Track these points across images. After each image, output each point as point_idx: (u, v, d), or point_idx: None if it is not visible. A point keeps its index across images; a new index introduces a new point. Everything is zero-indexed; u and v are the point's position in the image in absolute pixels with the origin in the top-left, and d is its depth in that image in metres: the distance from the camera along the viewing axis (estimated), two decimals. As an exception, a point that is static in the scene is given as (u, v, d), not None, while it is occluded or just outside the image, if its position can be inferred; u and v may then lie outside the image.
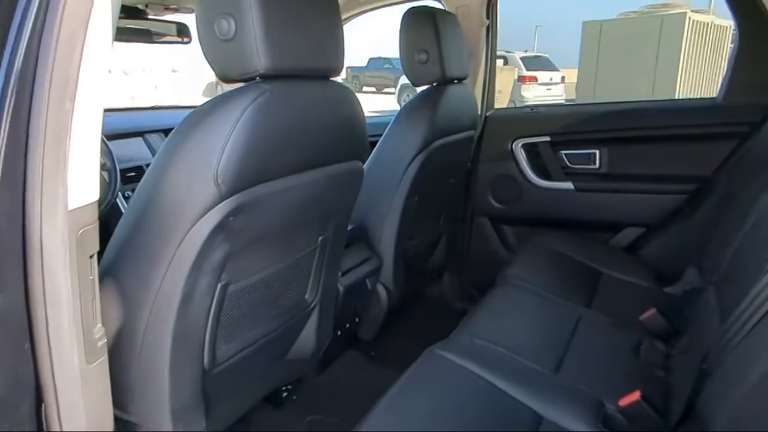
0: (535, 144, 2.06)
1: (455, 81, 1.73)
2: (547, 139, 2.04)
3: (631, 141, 1.94)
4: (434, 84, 1.68)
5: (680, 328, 1.39)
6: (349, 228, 1.40)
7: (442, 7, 1.99)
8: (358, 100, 1.10)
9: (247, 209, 0.88)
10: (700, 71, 9.91)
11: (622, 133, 1.94)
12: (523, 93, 11.16)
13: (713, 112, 1.81)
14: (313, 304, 1.26)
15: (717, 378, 0.93)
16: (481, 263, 2.21)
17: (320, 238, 1.18)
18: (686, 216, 1.84)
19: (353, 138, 1.10)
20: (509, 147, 2.09)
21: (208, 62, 0.89)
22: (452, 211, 2.08)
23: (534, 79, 11.46)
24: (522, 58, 11.83)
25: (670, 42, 9.09)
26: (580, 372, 1.18)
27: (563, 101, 12.13)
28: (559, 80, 12.00)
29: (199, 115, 0.86)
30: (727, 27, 11.48)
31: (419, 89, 1.72)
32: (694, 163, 1.84)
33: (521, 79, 11.27)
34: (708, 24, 10.28)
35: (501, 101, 7.82)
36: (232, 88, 0.91)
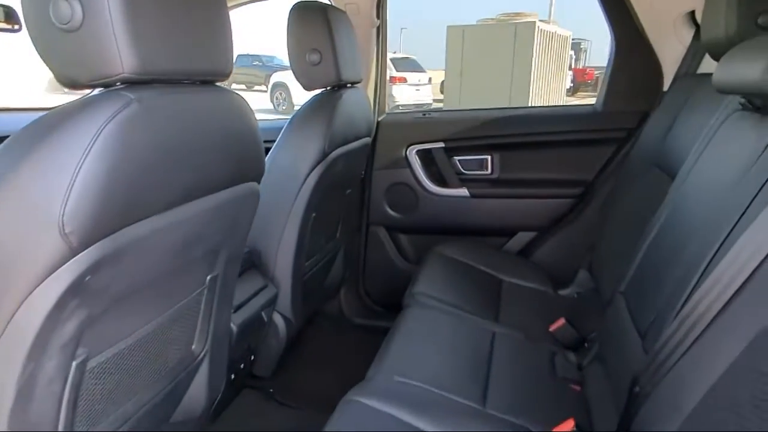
0: (429, 150, 1.98)
1: (349, 85, 1.58)
2: (441, 145, 1.97)
3: (520, 147, 1.94)
4: (328, 88, 1.50)
5: (587, 336, 1.39)
6: None
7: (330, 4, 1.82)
8: (251, 109, 0.90)
9: (111, 262, 0.63)
10: (548, 77, 10.85)
11: (511, 138, 1.93)
12: (394, 93, 11.37)
13: (593, 119, 1.87)
14: (201, 355, 1.03)
15: (653, 402, 0.88)
16: (379, 275, 2.09)
17: (209, 277, 0.95)
18: (572, 220, 1.88)
19: (247, 156, 0.89)
20: (404, 153, 1.99)
21: (43, 60, 0.63)
22: (349, 223, 1.92)
23: (403, 80, 11.72)
24: (391, 59, 12.03)
25: (523, 49, 9.81)
26: (505, 400, 1.10)
27: (431, 101, 12.61)
28: (426, 81, 12.42)
29: (35, 135, 0.59)
30: (567, 37, 12.73)
31: (312, 93, 1.54)
32: (578, 168, 1.88)
33: (392, 80, 11.46)
34: (552, 33, 11.28)
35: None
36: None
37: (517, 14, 10.57)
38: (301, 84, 1.48)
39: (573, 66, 17.83)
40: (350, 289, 2.10)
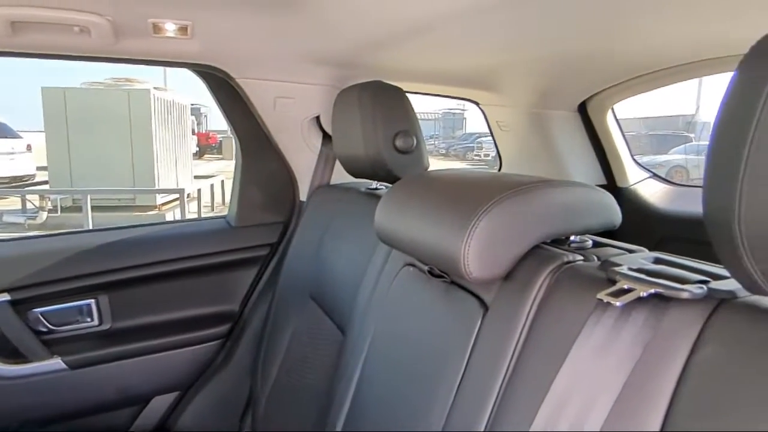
0: (-18, 310, 1.18)
1: None
2: (6, 297, 1.20)
3: (139, 281, 1.35)
4: None
5: None
6: None
7: None
8: None
9: None
10: (172, 143, 10.21)
11: (125, 273, 1.32)
12: (-24, 165, 8.60)
13: (229, 235, 1.46)
14: None
15: None
16: None
17: None
18: (222, 367, 1.40)
19: None
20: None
21: None
22: None
23: (-17, 148, 9.03)
24: (-36, 124, 9.13)
25: (141, 115, 8.90)
26: None
27: (34, 171, 10.09)
28: (24, 149, 9.90)
29: None
30: (186, 105, 12.34)
31: None
32: (220, 299, 1.43)
33: (-35, 149, 8.64)
34: (171, 101, 10.71)
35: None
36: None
37: (128, 80, 9.57)
38: None
39: (196, 131, 17.66)
40: None
